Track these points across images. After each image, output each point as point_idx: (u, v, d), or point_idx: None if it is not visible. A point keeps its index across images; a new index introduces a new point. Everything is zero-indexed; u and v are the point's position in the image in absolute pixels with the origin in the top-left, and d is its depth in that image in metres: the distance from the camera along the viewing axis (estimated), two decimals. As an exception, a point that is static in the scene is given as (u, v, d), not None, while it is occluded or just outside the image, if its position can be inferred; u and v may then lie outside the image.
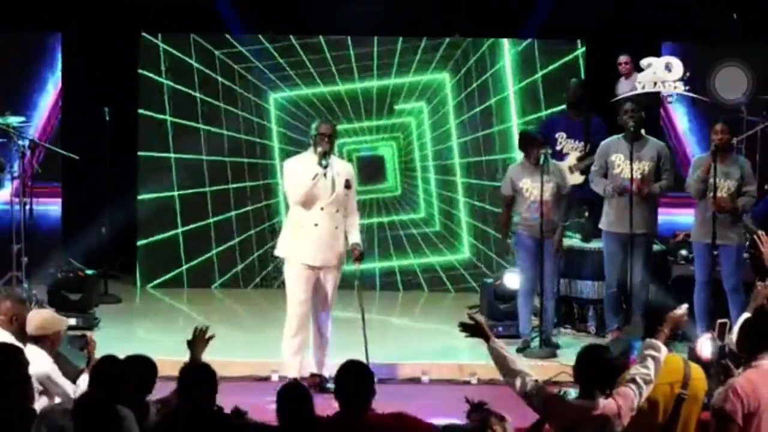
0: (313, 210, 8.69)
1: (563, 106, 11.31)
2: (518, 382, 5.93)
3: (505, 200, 9.82)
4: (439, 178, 12.07)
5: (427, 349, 9.63)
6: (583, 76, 11.68)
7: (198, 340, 6.50)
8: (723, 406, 5.81)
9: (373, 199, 12.01)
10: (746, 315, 6.78)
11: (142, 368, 6.21)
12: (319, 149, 8.67)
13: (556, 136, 10.79)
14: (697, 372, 6.26)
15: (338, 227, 8.77)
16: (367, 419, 5.70)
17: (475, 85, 11.90)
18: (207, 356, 9.02)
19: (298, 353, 8.76)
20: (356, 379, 5.77)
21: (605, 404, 5.80)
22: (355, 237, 8.92)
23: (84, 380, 6.95)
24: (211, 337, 6.54)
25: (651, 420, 6.10)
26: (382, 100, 11.93)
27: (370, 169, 12.03)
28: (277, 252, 9.00)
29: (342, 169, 8.85)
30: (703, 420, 6.33)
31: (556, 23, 11.99)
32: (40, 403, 6.70)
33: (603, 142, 9.88)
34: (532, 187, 9.59)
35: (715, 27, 12.06)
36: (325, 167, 8.65)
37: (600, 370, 5.89)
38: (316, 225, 8.69)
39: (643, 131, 9.86)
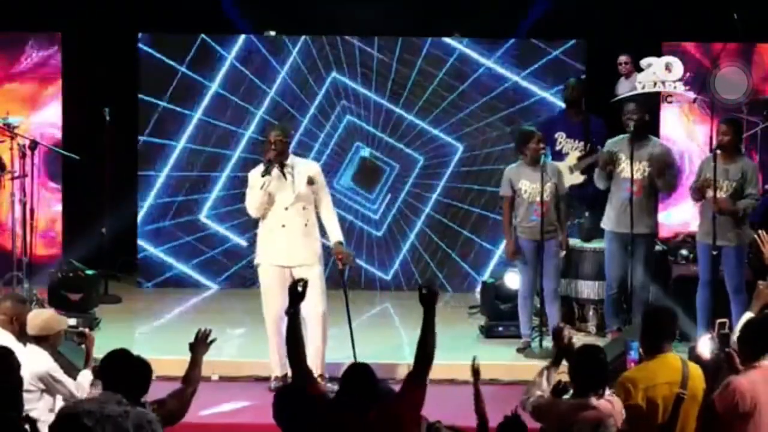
0: (277, 212, 8.83)
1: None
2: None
3: (506, 201, 9.77)
4: (408, 214, 12.12)
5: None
6: (582, 75, 11.69)
7: (200, 343, 6.51)
8: (715, 401, 5.90)
9: (353, 204, 12.05)
10: (748, 315, 6.78)
11: (138, 369, 6.15)
12: (267, 156, 8.81)
13: (556, 136, 10.77)
14: (695, 371, 6.27)
15: (308, 224, 8.89)
16: (368, 417, 5.70)
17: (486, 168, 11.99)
18: (206, 355, 9.07)
19: (281, 352, 8.88)
20: (361, 383, 5.76)
21: (598, 404, 5.81)
22: (337, 234, 9.02)
23: (84, 377, 6.96)
24: (213, 340, 6.54)
25: (650, 421, 6.11)
26: (409, 128, 11.99)
27: (366, 173, 12.04)
28: (255, 261, 9.14)
29: (303, 168, 8.94)
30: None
31: (557, 23, 11.98)
32: (42, 403, 6.71)
33: (610, 140, 9.87)
34: (530, 188, 9.58)
35: (715, 27, 12.05)
36: (267, 174, 8.73)
37: (594, 370, 5.90)
38: (283, 226, 8.82)
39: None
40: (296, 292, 6.13)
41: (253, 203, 8.85)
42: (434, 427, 5.94)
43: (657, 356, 6.25)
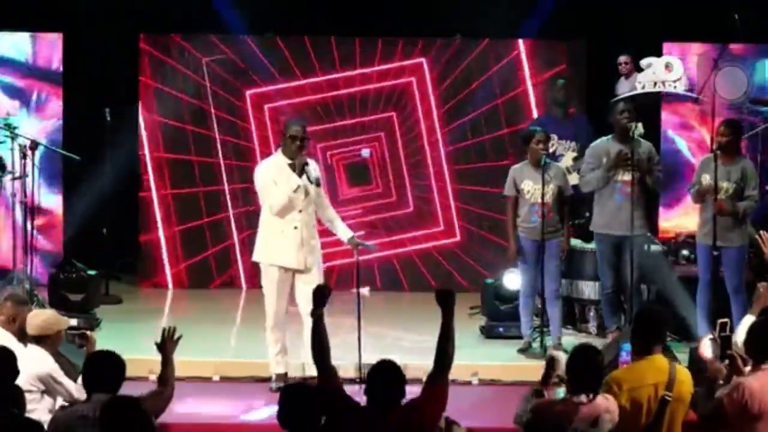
0: (292, 214, 8.74)
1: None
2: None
3: (509, 202, 9.74)
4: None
5: (426, 350, 9.61)
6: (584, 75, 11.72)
7: (167, 341, 6.53)
8: (725, 401, 5.91)
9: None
10: (749, 316, 6.78)
11: (111, 365, 6.10)
12: (297, 160, 8.67)
13: (548, 137, 10.77)
14: (682, 373, 6.29)
15: (314, 224, 8.90)
16: (391, 417, 5.73)
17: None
18: (207, 356, 9.06)
19: (281, 351, 8.90)
20: (388, 379, 5.80)
21: (592, 401, 5.85)
22: (347, 231, 9.04)
23: (85, 378, 6.97)
24: (179, 338, 6.56)
25: (634, 421, 6.13)
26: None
27: (358, 172, 12.05)
28: (255, 257, 9.02)
29: (314, 167, 8.88)
30: (689, 421, 6.35)
31: (557, 23, 11.98)
32: (43, 404, 6.71)
33: (594, 144, 9.82)
34: (533, 189, 9.56)
35: (715, 27, 12.05)
36: (312, 179, 8.69)
37: (588, 371, 5.94)
38: (295, 228, 8.75)
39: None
40: (322, 295, 6.18)
41: (279, 202, 8.66)
42: (448, 422, 5.97)
43: (646, 357, 6.27)
